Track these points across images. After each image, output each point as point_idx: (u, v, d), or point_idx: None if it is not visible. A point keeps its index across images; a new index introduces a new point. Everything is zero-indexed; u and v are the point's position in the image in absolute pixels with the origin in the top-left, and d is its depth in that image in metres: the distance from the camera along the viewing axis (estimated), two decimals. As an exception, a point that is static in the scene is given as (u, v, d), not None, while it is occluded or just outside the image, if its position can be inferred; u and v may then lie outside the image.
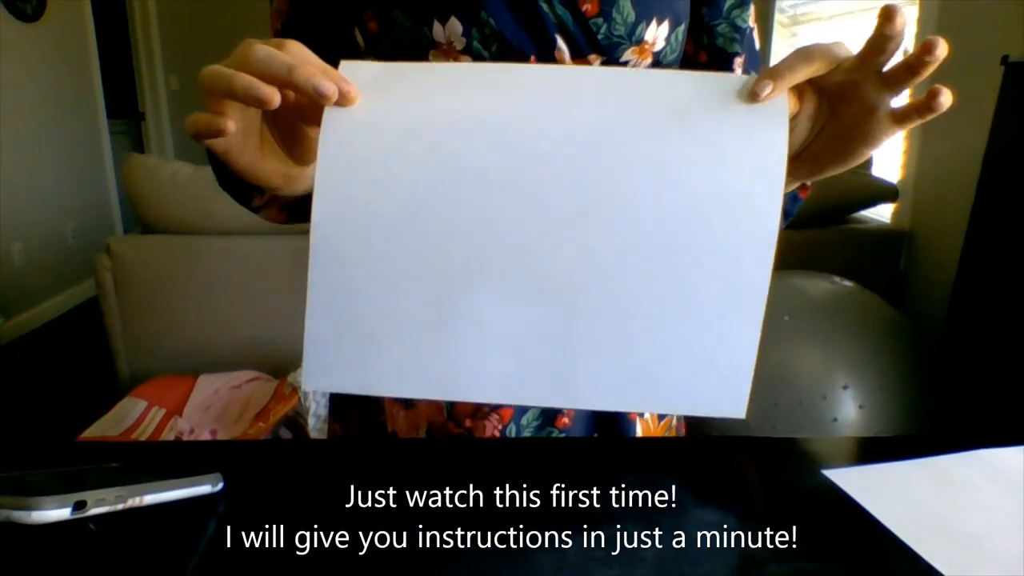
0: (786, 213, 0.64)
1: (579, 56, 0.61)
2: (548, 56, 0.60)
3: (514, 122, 0.45)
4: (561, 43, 0.60)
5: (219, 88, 0.41)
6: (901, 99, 0.46)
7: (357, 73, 0.45)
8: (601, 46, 0.60)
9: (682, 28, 0.64)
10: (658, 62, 0.63)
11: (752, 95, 0.43)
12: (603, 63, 0.61)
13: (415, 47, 0.61)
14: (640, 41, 0.61)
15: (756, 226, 0.43)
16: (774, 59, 1.98)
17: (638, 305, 0.44)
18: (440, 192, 0.45)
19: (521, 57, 0.60)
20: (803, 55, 0.44)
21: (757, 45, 0.70)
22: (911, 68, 0.42)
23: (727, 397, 0.44)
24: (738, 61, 0.67)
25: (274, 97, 0.41)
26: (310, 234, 0.45)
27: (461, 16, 0.59)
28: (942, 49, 0.41)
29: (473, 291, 0.44)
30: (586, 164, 0.45)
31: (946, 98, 0.42)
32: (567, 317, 0.44)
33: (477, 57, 0.60)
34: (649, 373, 0.44)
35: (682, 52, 0.66)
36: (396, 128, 0.45)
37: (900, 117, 0.45)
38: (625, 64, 0.62)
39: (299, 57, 0.43)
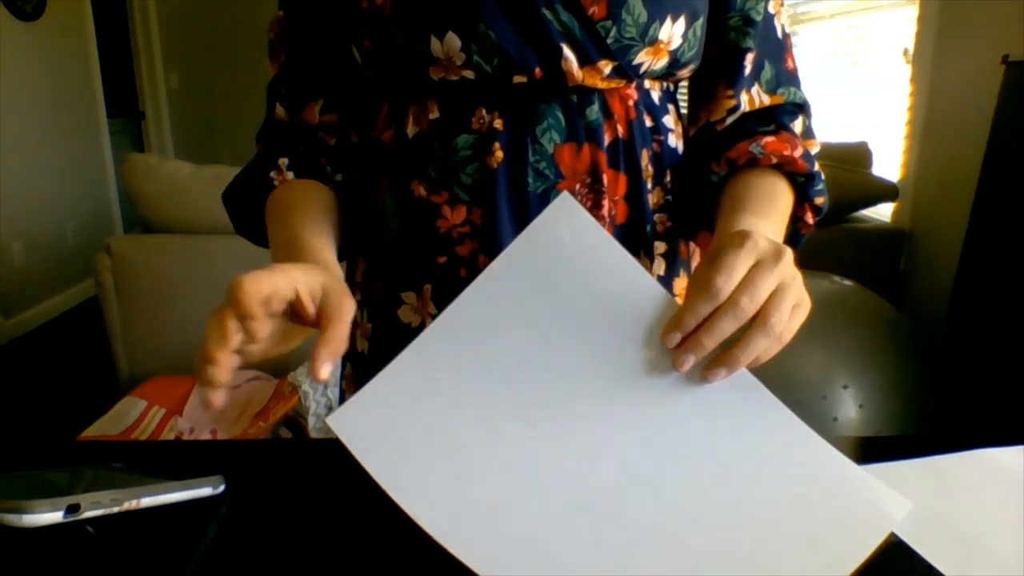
0: (793, 244, 0.63)
1: (588, 63, 0.58)
2: (553, 66, 0.57)
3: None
4: (567, 51, 0.57)
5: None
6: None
7: None
8: (611, 50, 0.57)
9: (700, 23, 0.60)
10: (676, 60, 0.60)
11: None
12: (614, 68, 0.58)
13: (412, 64, 0.59)
14: (654, 41, 0.58)
15: None
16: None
17: None
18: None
19: (524, 69, 0.57)
20: None
21: (781, 32, 0.66)
22: None
23: None
24: (749, 57, 0.64)
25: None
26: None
27: (458, 30, 0.56)
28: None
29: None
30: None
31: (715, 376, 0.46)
32: None
33: (478, 72, 0.58)
34: None
35: (701, 48, 0.63)
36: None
37: None
38: (638, 67, 0.59)
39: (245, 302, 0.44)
